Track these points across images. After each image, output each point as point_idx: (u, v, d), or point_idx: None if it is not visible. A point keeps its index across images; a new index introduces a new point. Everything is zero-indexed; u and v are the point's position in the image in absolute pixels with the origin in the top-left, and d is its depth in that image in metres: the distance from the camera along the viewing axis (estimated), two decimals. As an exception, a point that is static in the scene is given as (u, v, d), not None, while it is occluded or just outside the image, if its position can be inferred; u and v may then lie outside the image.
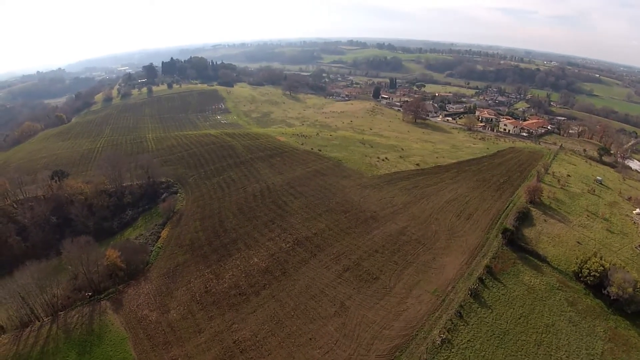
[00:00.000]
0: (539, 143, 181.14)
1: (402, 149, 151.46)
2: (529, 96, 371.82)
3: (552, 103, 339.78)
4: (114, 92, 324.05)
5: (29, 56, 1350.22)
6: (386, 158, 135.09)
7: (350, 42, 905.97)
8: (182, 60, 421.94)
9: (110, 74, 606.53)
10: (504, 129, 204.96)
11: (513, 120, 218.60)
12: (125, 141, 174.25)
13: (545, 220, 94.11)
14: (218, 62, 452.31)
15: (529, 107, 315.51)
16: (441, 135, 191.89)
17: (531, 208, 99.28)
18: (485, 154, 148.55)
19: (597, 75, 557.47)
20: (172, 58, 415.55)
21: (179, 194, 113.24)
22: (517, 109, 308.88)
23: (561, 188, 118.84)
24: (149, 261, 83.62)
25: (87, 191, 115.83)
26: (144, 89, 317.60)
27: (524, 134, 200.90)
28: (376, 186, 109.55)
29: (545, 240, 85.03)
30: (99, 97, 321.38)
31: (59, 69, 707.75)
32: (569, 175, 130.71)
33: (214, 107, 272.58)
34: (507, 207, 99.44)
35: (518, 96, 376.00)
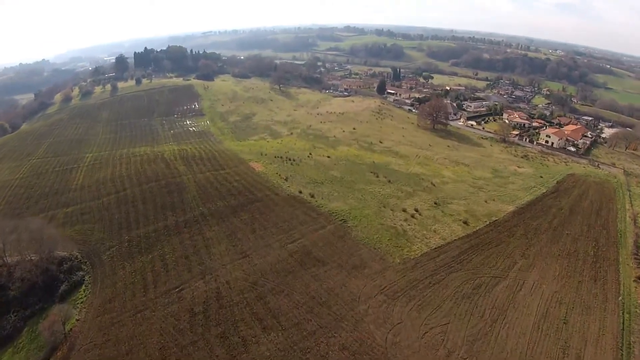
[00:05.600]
0: (598, 166, 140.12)
1: (433, 184, 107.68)
2: (544, 90, 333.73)
3: (572, 99, 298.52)
4: (75, 91, 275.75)
5: (16, 48, 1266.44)
6: (416, 210, 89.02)
7: (347, 28, 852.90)
8: (158, 50, 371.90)
9: (95, 65, 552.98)
10: (546, 141, 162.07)
11: (556, 129, 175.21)
12: (53, 167, 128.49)
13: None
14: (206, 51, 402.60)
15: (549, 104, 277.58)
16: (472, 150, 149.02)
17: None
18: (544, 189, 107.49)
19: (608, 66, 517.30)
20: (145, 48, 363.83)
21: (83, 288, 68.41)
22: (537, 105, 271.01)
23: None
24: None
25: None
26: (108, 86, 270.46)
27: (571, 148, 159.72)
28: (412, 293, 62.04)
29: None
30: (58, 97, 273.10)
31: (43, 60, 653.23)
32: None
33: (185, 107, 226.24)
34: (624, 323, 58.72)
35: (533, 90, 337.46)
